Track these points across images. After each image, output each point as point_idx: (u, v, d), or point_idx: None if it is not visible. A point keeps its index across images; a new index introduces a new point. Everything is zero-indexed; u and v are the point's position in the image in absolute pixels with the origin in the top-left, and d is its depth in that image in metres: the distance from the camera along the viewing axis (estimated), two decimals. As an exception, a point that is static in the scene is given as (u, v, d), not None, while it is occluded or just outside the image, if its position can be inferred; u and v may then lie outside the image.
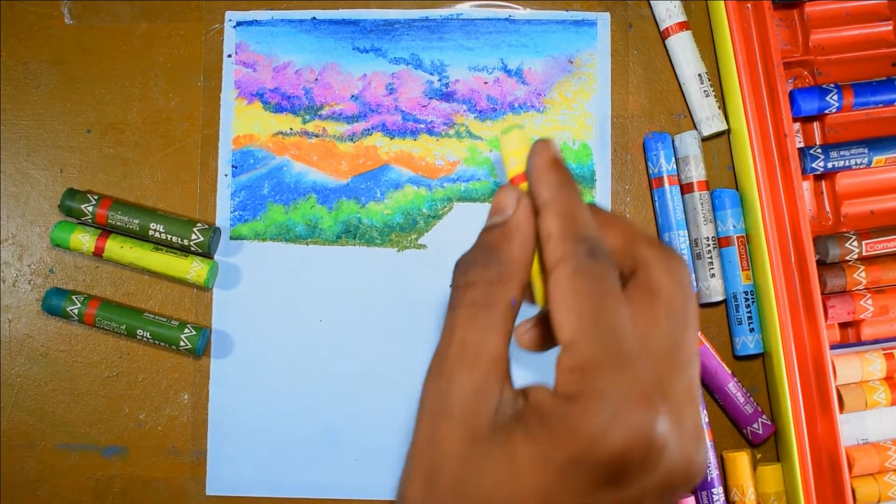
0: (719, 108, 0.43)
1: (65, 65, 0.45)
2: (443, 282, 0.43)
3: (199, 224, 0.42)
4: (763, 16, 0.40)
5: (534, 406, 0.25)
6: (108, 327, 0.43)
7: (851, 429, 0.41)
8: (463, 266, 0.28)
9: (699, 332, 0.31)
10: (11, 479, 0.43)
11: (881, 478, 0.40)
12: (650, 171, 0.43)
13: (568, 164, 0.29)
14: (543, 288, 0.28)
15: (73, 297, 0.43)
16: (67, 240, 0.43)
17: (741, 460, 0.41)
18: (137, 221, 0.42)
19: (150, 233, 0.42)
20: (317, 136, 0.44)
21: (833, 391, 0.38)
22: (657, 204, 0.43)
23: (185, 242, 0.42)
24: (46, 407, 0.44)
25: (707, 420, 0.41)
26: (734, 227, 0.42)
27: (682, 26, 0.43)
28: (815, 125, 0.43)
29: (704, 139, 0.43)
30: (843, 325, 0.42)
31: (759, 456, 0.42)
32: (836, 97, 0.41)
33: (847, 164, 0.41)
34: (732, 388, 0.41)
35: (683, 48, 0.43)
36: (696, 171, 0.42)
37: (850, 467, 0.39)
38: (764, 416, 0.41)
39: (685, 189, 0.42)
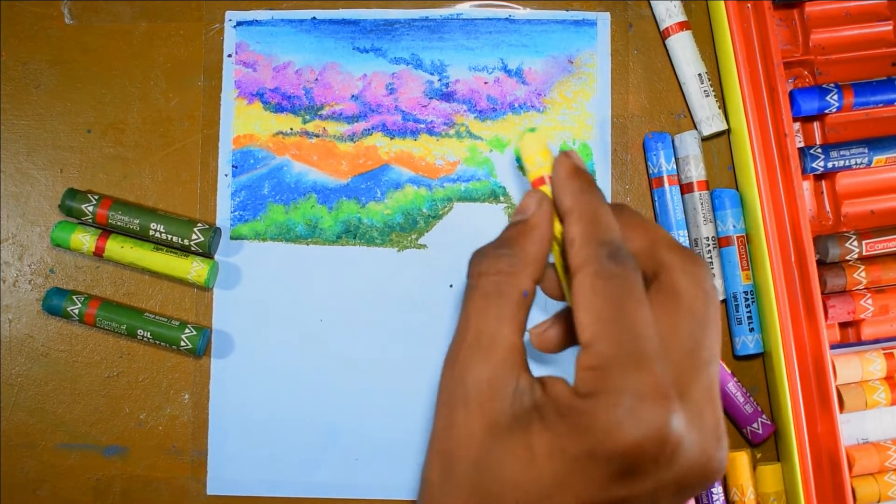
0: (719, 107, 0.43)
1: (65, 65, 0.45)
2: (443, 282, 0.43)
3: (199, 224, 0.42)
4: (763, 16, 0.40)
5: (552, 398, 0.26)
6: (109, 327, 0.43)
7: (851, 429, 0.41)
8: (477, 257, 0.29)
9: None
10: (11, 479, 0.43)
11: (881, 477, 0.40)
12: (650, 171, 0.43)
13: (587, 171, 0.29)
14: (568, 290, 0.29)
15: (74, 297, 0.43)
16: (68, 240, 0.43)
17: (741, 460, 0.41)
18: (138, 221, 0.42)
19: (151, 233, 0.42)
20: (317, 136, 0.44)
21: (833, 391, 0.38)
22: (657, 204, 0.43)
23: (186, 242, 0.42)
24: (47, 407, 0.44)
25: (707, 420, 0.41)
26: (734, 226, 0.42)
27: (682, 26, 0.43)
28: (815, 125, 0.43)
29: (704, 139, 0.43)
30: (843, 325, 0.42)
31: (758, 456, 0.42)
32: (836, 97, 0.41)
33: (847, 163, 0.41)
34: (732, 387, 0.41)
35: (683, 48, 0.43)
36: (696, 171, 0.42)
37: (850, 467, 0.39)
38: (764, 416, 0.41)
39: (685, 189, 0.42)
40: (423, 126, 0.44)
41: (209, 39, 0.45)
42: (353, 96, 0.44)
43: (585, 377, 0.25)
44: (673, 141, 0.43)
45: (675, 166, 0.42)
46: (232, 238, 0.44)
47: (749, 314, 0.42)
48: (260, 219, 0.44)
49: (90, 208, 0.43)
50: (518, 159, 0.34)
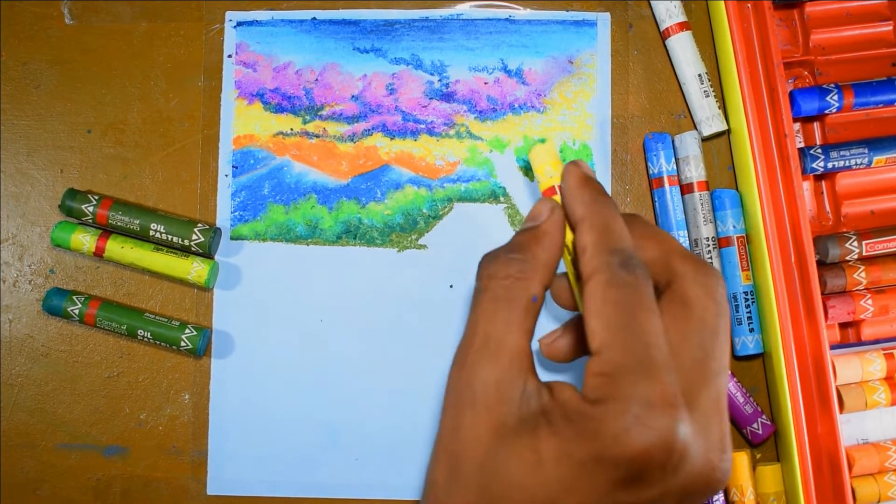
0: (719, 108, 0.43)
1: (65, 65, 0.45)
2: (443, 282, 0.43)
3: (199, 224, 0.42)
4: (763, 16, 0.40)
5: (560, 403, 0.26)
6: (109, 327, 0.43)
7: (851, 429, 0.41)
8: (487, 261, 0.29)
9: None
10: (11, 479, 0.43)
11: (881, 478, 0.40)
12: (650, 172, 0.43)
13: (596, 180, 0.30)
14: (580, 299, 0.29)
15: (74, 297, 0.43)
16: (68, 240, 0.43)
17: (741, 460, 0.41)
18: (138, 222, 0.42)
19: (151, 233, 0.42)
20: (317, 136, 0.44)
21: (833, 391, 0.38)
22: (657, 204, 0.43)
23: (186, 243, 0.42)
24: (47, 407, 0.44)
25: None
26: (734, 227, 0.42)
27: (683, 26, 0.43)
28: (816, 125, 0.43)
29: (704, 139, 0.43)
30: (843, 325, 0.42)
31: (758, 456, 0.42)
32: (836, 97, 0.41)
33: (847, 164, 0.41)
34: (732, 388, 0.41)
35: (683, 48, 0.43)
36: (696, 172, 0.42)
37: (850, 467, 0.39)
38: (764, 416, 0.41)
39: (685, 189, 0.42)
40: (423, 126, 0.44)
41: (209, 39, 0.45)
42: (353, 97, 0.44)
43: (594, 383, 0.25)
44: (673, 141, 0.43)
45: (675, 167, 0.42)
46: (232, 238, 0.44)
47: (749, 314, 0.42)
48: (260, 219, 0.44)
49: (90, 208, 0.43)
50: (527, 167, 0.35)
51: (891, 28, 0.43)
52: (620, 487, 0.24)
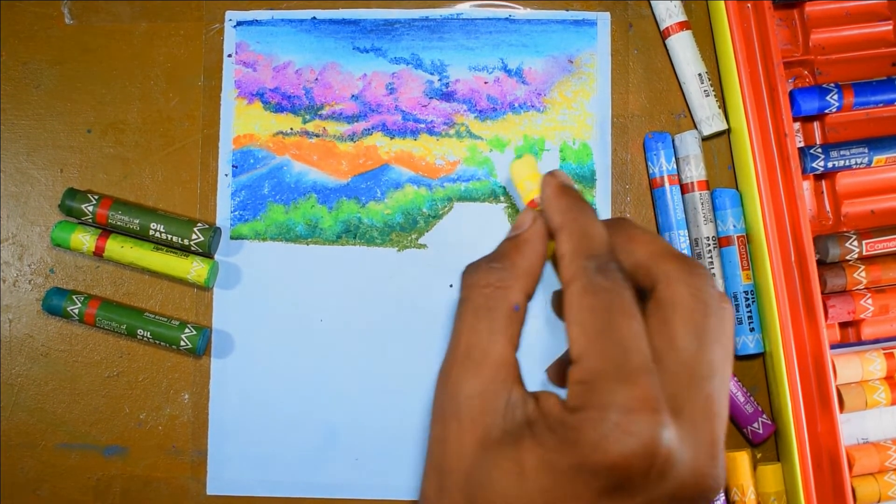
0: (719, 107, 0.43)
1: (65, 65, 0.45)
2: (443, 281, 0.43)
3: (199, 224, 0.42)
4: (763, 15, 0.40)
5: (543, 413, 0.25)
6: (109, 327, 0.43)
7: (851, 428, 0.41)
8: (469, 271, 0.29)
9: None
10: (12, 479, 0.43)
11: (881, 477, 0.40)
12: (650, 171, 0.43)
13: (574, 188, 0.30)
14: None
15: (74, 296, 0.43)
16: (68, 239, 0.43)
17: (741, 460, 0.41)
18: (138, 221, 0.42)
19: (151, 233, 0.42)
20: (317, 135, 0.44)
21: (833, 391, 0.38)
22: (657, 204, 0.43)
23: (186, 242, 0.42)
24: (47, 407, 0.44)
25: (707, 420, 0.41)
26: (734, 226, 0.42)
27: (683, 26, 0.43)
28: (816, 125, 0.43)
29: (704, 139, 0.43)
30: (843, 325, 0.42)
31: (759, 455, 0.42)
32: (836, 97, 0.41)
33: (847, 163, 0.41)
34: (732, 387, 0.41)
35: (683, 48, 0.43)
36: (696, 171, 0.42)
37: (850, 467, 0.39)
38: (764, 416, 0.41)
39: (685, 189, 0.42)
40: (423, 126, 0.44)
41: (209, 39, 0.45)
42: (353, 96, 0.44)
43: (574, 391, 0.25)
44: (673, 141, 0.43)
45: (675, 166, 0.42)
46: (232, 238, 0.44)
47: (749, 314, 0.42)
48: (260, 218, 0.44)
49: (90, 208, 0.43)
50: (510, 185, 0.36)
51: (891, 28, 0.43)
52: (604, 497, 0.24)
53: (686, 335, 0.26)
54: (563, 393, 0.27)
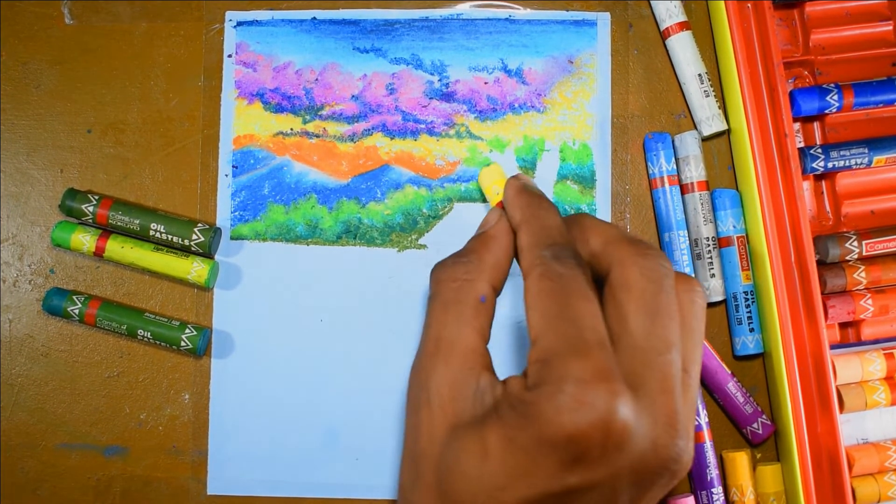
0: (719, 108, 0.43)
1: (65, 65, 0.45)
2: (443, 282, 0.43)
3: (199, 224, 0.42)
4: (763, 16, 0.40)
5: (506, 393, 0.27)
6: (109, 327, 0.43)
7: (851, 428, 0.41)
8: (437, 268, 0.31)
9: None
10: (11, 479, 0.43)
11: (881, 478, 0.40)
12: (650, 171, 0.43)
13: (535, 188, 0.33)
14: None
15: (74, 297, 0.43)
16: (68, 240, 0.43)
17: (741, 460, 0.41)
18: (138, 221, 0.42)
19: (151, 233, 0.42)
20: (317, 136, 0.44)
21: (833, 391, 0.38)
22: (657, 204, 0.43)
23: (186, 242, 0.42)
24: (47, 407, 0.44)
25: (707, 420, 0.41)
26: (734, 227, 0.42)
27: (683, 26, 0.43)
28: (816, 125, 0.43)
29: (704, 139, 0.43)
30: (843, 325, 0.42)
31: (758, 456, 0.42)
32: (836, 97, 0.41)
33: (847, 164, 0.41)
34: (732, 387, 0.41)
35: (683, 48, 0.43)
36: (696, 172, 0.42)
37: (850, 467, 0.39)
38: (764, 416, 0.41)
39: (685, 189, 0.42)
40: (423, 126, 0.44)
41: (209, 39, 0.45)
42: (353, 96, 0.44)
43: (533, 370, 0.26)
44: (673, 141, 0.43)
45: (675, 166, 0.42)
46: (232, 238, 0.44)
47: (749, 314, 0.42)
48: (260, 219, 0.44)
49: (90, 208, 0.43)
50: (480, 191, 0.38)
51: (891, 28, 0.43)
52: (565, 469, 0.25)
53: (638, 313, 0.27)
54: None
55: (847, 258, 0.41)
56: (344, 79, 0.44)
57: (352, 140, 0.44)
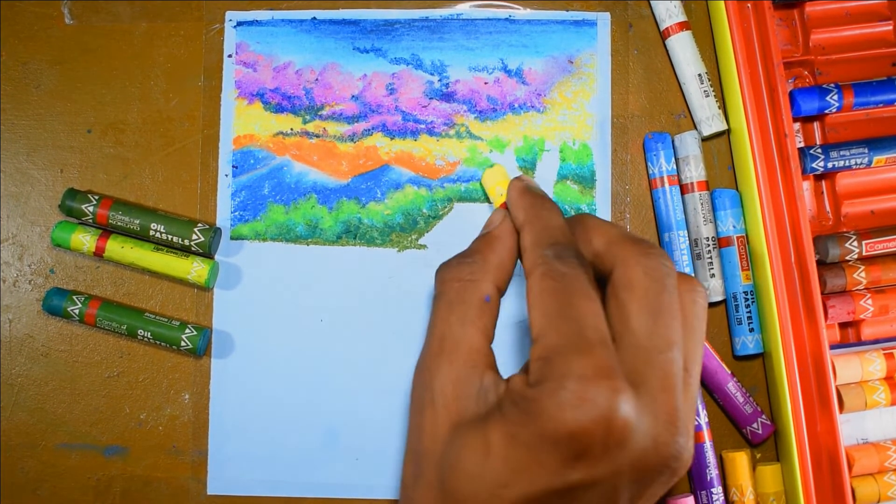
0: (719, 108, 0.43)
1: (65, 65, 0.45)
2: (443, 282, 0.43)
3: (199, 224, 0.42)
4: (763, 16, 0.40)
5: (509, 391, 0.27)
6: (109, 327, 0.43)
7: (851, 429, 0.41)
8: (442, 268, 0.31)
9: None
10: (11, 479, 0.43)
11: (881, 478, 0.40)
12: (650, 172, 0.43)
13: (538, 189, 0.33)
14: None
15: (74, 297, 0.43)
16: (68, 240, 0.43)
17: (740, 460, 0.41)
18: (138, 221, 0.42)
19: (151, 233, 0.42)
20: (317, 136, 0.44)
21: (833, 391, 0.38)
22: (657, 204, 0.43)
23: (186, 242, 0.42)
24: (47, 407, 0.44)
25: (707, 420, 0.41)
26: (734, 227, 0.42)
27: (682, 26, 0.43)
28: (816, 125, 0.43)
29: (704, 139, 0.43)
30: (843, 325, 0.42)
31: (758, 456, 0.42)
32: (836, 97, 0.41)
33: (847, 164, 0.41)
34: (732, 387, 0.41)
35: (683, 48, 0.43)
36: (695, 172, 0.42)
37: (850, 467, 0.39)
38: (763, 416, 0.41)
39: (685, 189, 0.42)
40: (423, 126, 0.44)
41: (209, 39, 0.45)
42: (353, 96, 0.44)
43: (535, 367, 0.26)
44: (673, 141, 0.43)
45: (675, 166, 0.42)
46: (232, 238, 0.44)
47: (749, 314, 0.42)
48: (260, 219, 0.44)
49: (90, 208, 0.43)
50: (484, 192, 0.39)
51: (891, 28, 0.43)
52: (567, 465, 0.25)
53: (641, 312, 0.27)
54: None
55: (847, 258, 0.41)
56: (344, 79, 0.44)
57: (352, 140, 0.44)
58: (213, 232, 0.43)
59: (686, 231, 0.42)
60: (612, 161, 0.44)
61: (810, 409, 0.39)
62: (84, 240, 0.43)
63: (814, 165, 0.41)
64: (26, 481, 0.43)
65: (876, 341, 0.41)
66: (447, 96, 0.44)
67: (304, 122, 0.44)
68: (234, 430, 0.43)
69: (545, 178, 0.43)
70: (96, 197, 0.43)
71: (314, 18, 0.45)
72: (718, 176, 0.43)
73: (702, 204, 0.42)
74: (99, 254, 0.43)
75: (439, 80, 0.44)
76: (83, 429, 0.44)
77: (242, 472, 0.43)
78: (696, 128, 0.43)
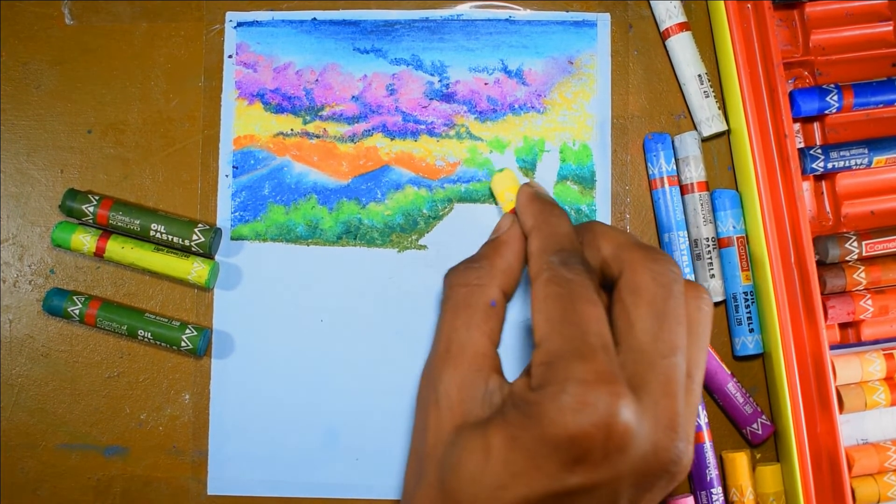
0: (719, 108, 0.43)
1: (65, 65, 0.45)
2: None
3: (199, 224, 0.42)
4: (763, 16, 0.40)
5: (511, 394, 0.27)
6: (109, 328, 0.43)
7: (851, 429, 0.41)
8: (450, 273, 0.31)
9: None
10: (12, 479, 0.43)
11: (881, 478, 0.40)
12: (650, 172, 0.43)
13: (547, 196, 0.33)
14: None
15: (74, 297, 0.43)
16: (68, 240, 0.43)
17: (740, 460, 0.41)
18: (138, 222, 0.42)
19: (151, 233, 0.42)
20: (317, 136, 0.44)
21: (833, 391, 0.38)
22: (657, 205, 0.43)
23: (186, 243, 0.42)
24: (47, 407, 0.44)
25: (706, 420, 0.41)
26: (734, 227, 0.42)
27: (682, 27, 0.43)
28: (815, 125, 0.43)
29: (704, 140, 0.43)
30: (843, 326, 0.42)
31: (758, 456, 0.42)
32: (836, 97, 0.41)
33: (847, 164, 0.41)
34: (732, 388, 0.41)
35: (683, 49, 0.43)
36: (695, 172, 0.42)
37: (850, 467, 0.39)
38: (763, 417, 0.42)
39: (685, 190, 0.42)
40: (423, 127, 0.44)
41: (209, 40, 0.45)
42: (353, 97, 0.44)
43: (537, 372, 0.26)
44: (673, 142, 0.43)
45: (674, 167, 0.42)
46: (232, 238, 0.44)
47: (749, 315, 0.42)
48: (260, 219, 0.44)
49: (91, 209, 0.43)
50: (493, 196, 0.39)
51: (891, 28, 0.43)
52: (567, 469, 0.25)
53: (646, 317, 0.27)
54: None
55: (847, 259, 0.41)
56: (344, 79, 0.44)
57: (352, 141, 0.44)
58: (214, 232, 0.43)
59: (686, 231, 0.42)
60: (612, 161, 0.44)
61: (810, 410, 0.39)
62: (84, 240, 0.43)
63: (814, 166, 0.41)
64: (26, 481, 0.43)
65: (876, 342, 0.41)
66: (447, 97, 0.44)
67: (305, 123, 0.44)
68: (235, 431, 0.43)
69: (545, 179, 0.43)
70: (96, 197, 0.43)
71: (314, 19, 0.45)
72: (718, 176, 0.43)
73: (702, 204, 0.42)
74: (99, 254, 0.43)
75: (439, 81, 0.44)
76: (83, 429, 0.44)
77: (242, 473, 0.43)
78: (696, 128, 0.43)
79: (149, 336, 0.42)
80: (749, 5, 0.41)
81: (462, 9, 0.44)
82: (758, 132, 0.40)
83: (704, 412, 0.41)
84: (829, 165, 0.41)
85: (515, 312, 0.43)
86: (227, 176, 0.44)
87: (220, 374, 0.43)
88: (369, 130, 0.44)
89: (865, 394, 0.40)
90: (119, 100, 0.45)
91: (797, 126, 0.43)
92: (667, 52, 0.44)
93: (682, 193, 0.42)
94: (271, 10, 0.45)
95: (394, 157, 0.44)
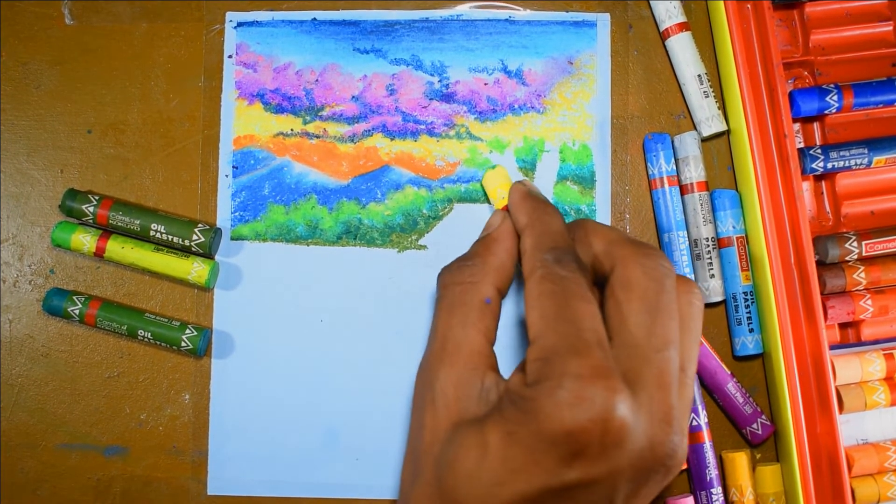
0: (719, 108, 0.43)
1: (65, 65, 0.45)
2: (443, 282, 0.43)
3: (199, 224, 0.43)
4: (763, 16, 0.40)
5: (507, 391, 0.27)
6: (109, 328, 0.43)
7: (851, 429, 0.41)
8: (444, 271, 0.31)
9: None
10: (11, 479, 0.43)
11: (881, 478, 0.40)
12: (650, 172, 0.43)
13: (540, 194, 0.33)
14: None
15: (74, 297, 0.43)
16: (68, 240, 0.43)
17: (740, 460, 0.41)
18: (138, 222, 0.42)
19: (151, 233, 0.42)
20: (317, 136, 0.44)
21: (833, 391, 0.38)
22: (657, 205, 0.43)
23: (186, 243, 0.42)
24: (47, 407, 0.44)
25: (706, 420, 0.41)
26: (734, 227, 0.42)
27: (682, 27, 0.43)
28: (815, 125, 0.43)
29: (704, 140, 0.43)
30: (843, 326, 0.42)
31: (758, 456, 0.42)
32: (835, 97, 0.41)
33: (847, 164, 0.41)
34: (732, 388, 0.41)
35: (683, 49, 0.43)
36: (695, 172, 0.42)
37: (850, 467, 0.39)
38: (763, 417, 0.42)
39: (685, 190, 0.42)
40: (423, 127, 0.44)
41: (209, 40, 0.45)
42: (353, 97, 0.44)
43: (532, 368, 0.26)
44: (672, 142, 0.43)
45: (674, 167, 0.42)
46: (232, 239, 0.44)
47: (749, 315, 0.42)
48: (260, 219, 0.44)
49: (90, 209, 0.43)
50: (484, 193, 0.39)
51: (891, 28, 0.43)
52: (564, 464, 0.25)
53: (639, 311, 0.27)
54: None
55: (847, 259, 0.41)
56: (344, 79, 0.44)
57: (352, 141, 0.44)
58: (214, 232, 0.43)
59: (686, 232, 0.42)
60: (611, 162, 0.44)
61: (810, 410, 0.39)
62: (84, 240, 0.43)
63: (813, 166, 0.41)
64: (26, 481, 0.43)
65: (876, 342, 0.41)
66: (447, 97, 0.44)
67: (305, 123, 0.44)
68: (235, 431, 0.43)
69: (545, 179, 0.43)
70: (96, 197, 0.43)
71: (314, 19, 0.45)
72: (718, 176, 0.43)
73: (701, 204, 0.42)
74: (99, 254, 0.43)
75: (439, 81, 0.44)
76: (83, 429, 0.44)
77: (242, 473, 0.43)
78: (695, 128, 0.43)
79: (149, 336, 0.42)
80: (749, 5, 0.41)
81: (462, 9, 0.44)
82: (757, 132, 0.40)
83: (704, 412, 0.41)
84: (829, 165, 0.41)
85: (508, 309, 0.43)
86: (227, 176, 0.44)
87: (220, 374, 0.43)
88: (369, 130, 0.44)
89: (865, 394, 0.40)
90: (119, 100, 0.45)
91: (797, 126, 0.43)
92: (666, 52, 0.44)
93: (682, 193, 0.42)
94: (271, 10, 0.45)
95: (394, 157, 0.44)
